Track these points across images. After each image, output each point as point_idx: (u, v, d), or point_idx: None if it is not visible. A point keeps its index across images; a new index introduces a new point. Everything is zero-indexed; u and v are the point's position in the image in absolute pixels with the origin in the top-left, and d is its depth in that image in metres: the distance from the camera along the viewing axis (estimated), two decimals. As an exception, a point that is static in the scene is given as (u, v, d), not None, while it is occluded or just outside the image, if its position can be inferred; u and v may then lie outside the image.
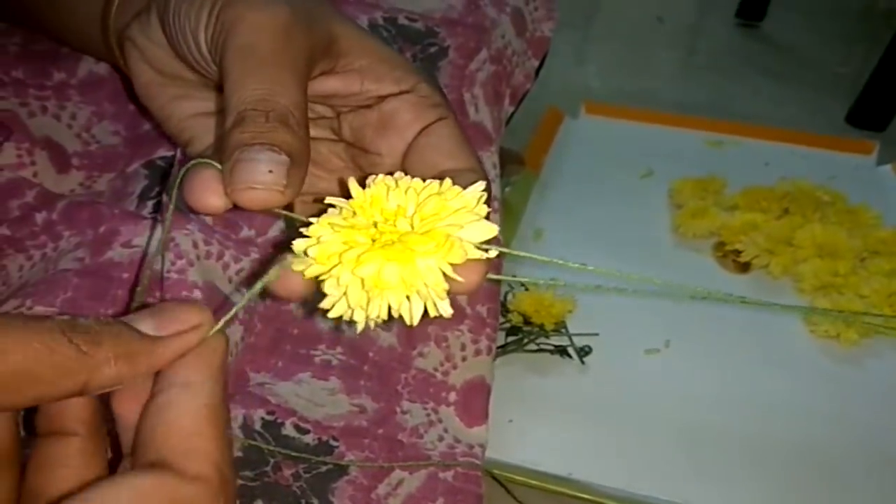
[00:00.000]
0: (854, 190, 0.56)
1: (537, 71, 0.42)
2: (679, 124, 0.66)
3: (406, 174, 0.19)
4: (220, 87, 0.21)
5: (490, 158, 0.36)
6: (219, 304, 0.28)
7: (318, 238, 0.17)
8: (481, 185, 0.18)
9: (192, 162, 0.19)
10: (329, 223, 0.17)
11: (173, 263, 0.27)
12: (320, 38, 0.22)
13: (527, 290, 0.45)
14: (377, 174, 0.19)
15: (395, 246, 0.16)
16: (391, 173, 0.19)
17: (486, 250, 0.18)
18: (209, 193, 0.18)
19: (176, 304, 0.17)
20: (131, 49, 0.26)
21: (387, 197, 0.17)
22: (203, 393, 0.16)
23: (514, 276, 0.46)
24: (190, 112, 0.26)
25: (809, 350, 0.44)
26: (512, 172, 0.56)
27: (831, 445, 0.38)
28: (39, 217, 0.31)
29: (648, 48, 0.90)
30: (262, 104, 0.19)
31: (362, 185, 0.18)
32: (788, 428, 0.39)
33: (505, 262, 0.47)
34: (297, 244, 0.17)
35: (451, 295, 0.17)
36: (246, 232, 0.30)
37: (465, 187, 0.18)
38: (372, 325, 0.17)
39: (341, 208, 0.18)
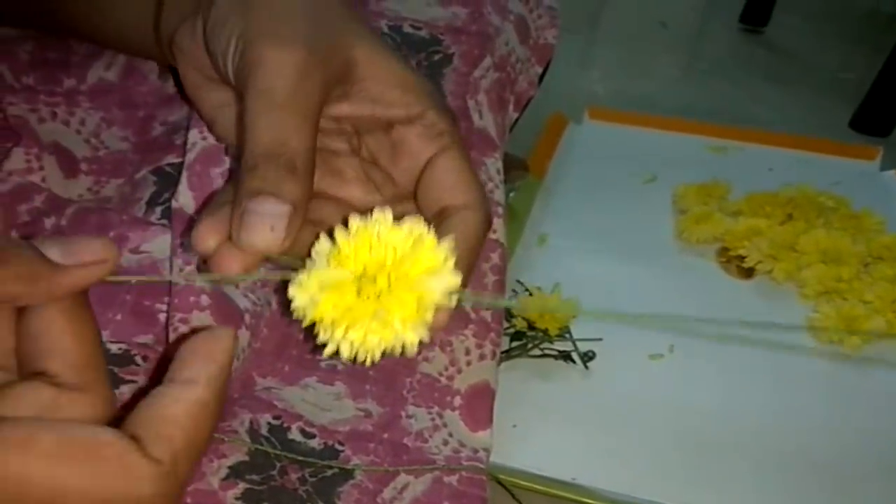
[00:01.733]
0: (858, 195, 0.56)
1: (541, 78, 0.43)
2: (682, 129, 0.67)
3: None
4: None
5: (494, 164, 0.36)
6: (227, 311, 0.28)
7: (312, 299, 0.20)
8: (448, 243, 0.21)
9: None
10: (319, 283, 0.20)
11: (181, 269, 0.27)
12: (337, 68, 0.24)
13: (531, 295, 0.45)
14: (384, 198, 0.24)
15: (376, 311, 0.20)
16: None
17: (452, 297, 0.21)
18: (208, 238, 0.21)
19: (86, 238, 0.18)
20: (179, 54, 0.27)
21: (369, 251, 0.20)
22: (200, 391, 0.18)
23: (518, 281, 0.47)
24: (230, 117, 0.27)
25: (813, 356, 0.44)
26: (516, 178, 0.56)
27: (836, 451, 0.38)
28: (48, 222, 0.32)
29: (652, 53, 0.90)
30: (273, 149, 0.21)
31: (346, 223, 0.21)
32: (792, 433, 0.39)
33: (508, 268, 0.48)
34: (297, 302, 0.20)
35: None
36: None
37: (460, 228, 0.23)
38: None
39: (329, 255, 0.21)
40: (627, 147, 0.64)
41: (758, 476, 0.37)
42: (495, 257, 0.35)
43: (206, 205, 0.24)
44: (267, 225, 0.20)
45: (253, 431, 0.28)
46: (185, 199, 0.29)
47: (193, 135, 0.30)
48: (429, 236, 0.21)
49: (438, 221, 0.24)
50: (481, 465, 0.31)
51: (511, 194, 0.55)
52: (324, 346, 0.20)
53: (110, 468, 0.16)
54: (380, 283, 0.20)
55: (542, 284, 0.46)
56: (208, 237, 0.21)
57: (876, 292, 0.47)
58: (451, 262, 0.21)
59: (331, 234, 0.21)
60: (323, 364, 0.31)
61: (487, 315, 0.34)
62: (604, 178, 0.60)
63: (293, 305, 0.20)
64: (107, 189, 0.34)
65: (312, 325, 0.20)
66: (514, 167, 0.56)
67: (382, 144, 0.26)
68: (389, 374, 0.32)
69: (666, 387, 0.41)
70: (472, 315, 0.34)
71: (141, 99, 0.36)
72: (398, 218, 0.21)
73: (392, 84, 0.25)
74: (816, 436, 0.39)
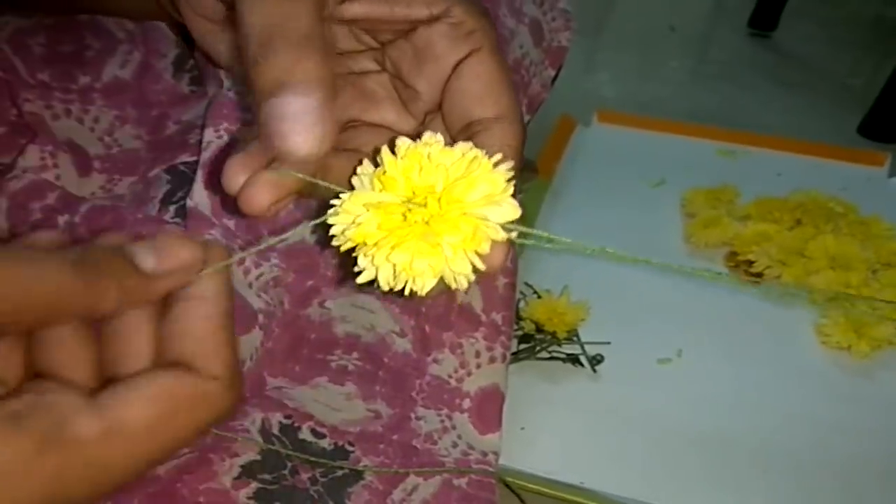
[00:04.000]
0: (866, 201, 0.56)
1: (553, 80, 0.43)
2: (691, 133, 0.66)
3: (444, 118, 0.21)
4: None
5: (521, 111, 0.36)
6: (240, 311, 0.28)
7: (354, 219, 0.18)
8: (509, 164, 0.19)
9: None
10: (363, 203, 0.18)
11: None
12: None
13: (540, 297, 0.45)
14: (417, 113, 0.22)
15: (425, 233, 0.18)
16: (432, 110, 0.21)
17: (510, 231, 0.19)
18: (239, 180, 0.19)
19: (176, 242, 0.18)
20: (184, 6, 0.27)
21: (417, 173, 0.18)
22: (215, 304, 0.18)
23: (527, 283, 0.47)
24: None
25: (820, 361, 0.44)
26: (524, 180, 0.56)
27: (843, 456, 0.38)
28: (61, 220, 0.32)
29: (660, 57, 0.90)
30: (275, 29, 0.18)
31: (392, 147, 0.19)
32: (800, 438, 0.39)
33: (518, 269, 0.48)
34: (338, 225, 0.18)
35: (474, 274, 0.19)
36: (267, 238, 0.31)
37: (493, 143, 0.20)
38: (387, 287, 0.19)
39: (374, 176, 0.19)
40: (636, 150, 0.64)
41: (766, 480, 0.37)
42: (506, 259, 0.35)
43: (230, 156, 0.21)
44: (301, 127, 0.18)
45: (264, 431, 0.28)
46: (200, 197, 0.29)
47: (209, 133, 0.30)
48: (485, 159, 0.18)
49: (466, 138, 0.21)
50: (490, 469, 0.31)
51: (519, 196, 0.55)
52: (359, 274, 0.18)
53: (187, 403, 0.17)
54: (431, 207, 0.18)
55: (551, 287, 0.46)
56: (238, 174, 0.19)
57: (885, 298, 0.47)
58: (510, 192, 0.19)
59: (374, 159, 0.19)
60: (334, 364, 0.32)
61: (498, 318, 0.34)
62: (612, 182, 0.60)
63: (333, 230, 0.18)
64: (119, 187, 0.34)
65: (349, 256, 0.18)
66: (523, 169, 0.56)
67: (404, 52, 0.22)
68: (399, 375, 0.32)
69: (674, 391, 0.41)
70: (483, 317, 0.34)
71: (155, 97, 0.36)
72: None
73: None
74: (825, 441, 0.39)
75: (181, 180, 0.32)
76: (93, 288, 0.16)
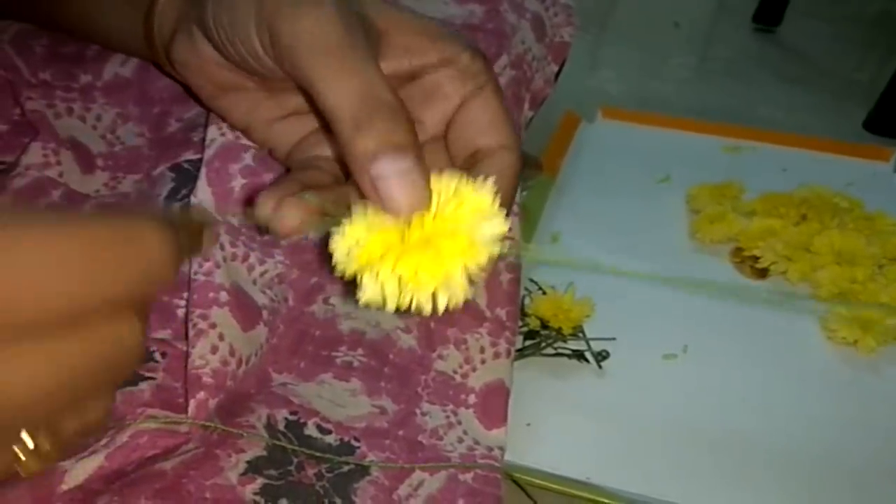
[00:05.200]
0: (871, 197, 0.55)
1: (556, 76, 0.43)
2: (696, 129, 0.66)
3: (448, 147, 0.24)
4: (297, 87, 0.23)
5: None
6: (245, 307, 0.28)
7: (357, 241, 0.19)
8: (490, 185, 0.20)
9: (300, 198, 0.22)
10: (364, 227, 0.20)
11: (201, 265, 0.27)
12: (364, 26, 0.22)
13: (545, 294, 0.45)
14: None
15: (426, 248, 0.19)
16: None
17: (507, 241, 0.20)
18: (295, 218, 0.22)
19: None
20: (184, 69, 0.27)
21: None
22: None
23: (531, 279, 0.47)
24: (263, 119, 0.27)
25: (827, 356, 0.44)
26: (529, 176, 0.56)
27: (849, 452, 0.38)
28: (67, 218, 0.32)
29: (665, 53, 0.90)
30: (366, 103, 0.20)
31: None
32: (806, 434, 0.39)
33: (522, 266, 0.48)
34: (339, 247, 0.20)
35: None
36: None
37: (496, 169, 0.23)
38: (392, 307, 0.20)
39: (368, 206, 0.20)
40: (641, 146, 0.64)
41: (772, 475, 0.36)
42: (510, 255, 0.35)
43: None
44: (405, 183, 0.19)
45: (270, 427, 0.28)
46: (204, 194, 0.29)
47: (212, 131, 0.30)
48: (469, 182, 0.20)
49: (471, 164, 0.24)
50: (496, 464, 0.31)
51: (524, 192, 0.55)
52: (365, 292, 0.19)
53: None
54: (427, 226, 0.19)
55: (555, 283, 0.46)
56: (269, 201, 0.21)
57: (890, 294, 0.47)
58: (497, 205, 0.20)
59: None
60: (338, 361, 0.31)
61: (503, 313, 0.34)
62: (617, 178, 0.60)
63: (335, 256, 0.20)
64: (123, 185, 0.34)
65: (353, 282, 0.19)
66: (528, 165, 0.56)
67: (411, 92, 0.25)
68: (404, 371, 0.32)
69: (680, 387, 0.41)
70: (488, 313, 0.34)
71: (157, 95, 0.36)
72: (431, 165, 0.20)
73: (419, 33, 0.24)
74: (831, 436, 0.39)
75: (185, 178, 0.32)
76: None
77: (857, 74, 0.86)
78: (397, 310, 0.19)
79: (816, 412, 0.40)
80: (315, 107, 0.21)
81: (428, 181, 0.20)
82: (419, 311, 0.19)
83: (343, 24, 0.21)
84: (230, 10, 0.23)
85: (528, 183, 0.56)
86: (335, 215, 0.21)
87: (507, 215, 0.21)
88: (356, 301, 0.20)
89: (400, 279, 0.19)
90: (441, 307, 0.19)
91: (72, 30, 0.35)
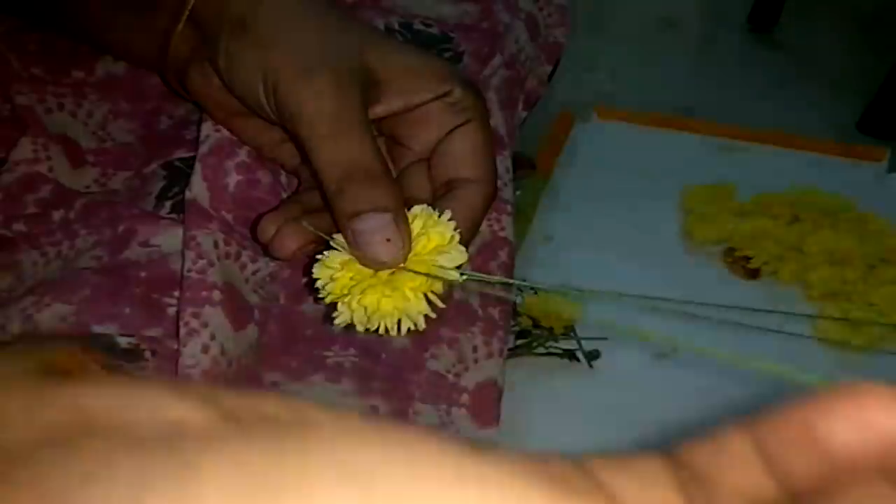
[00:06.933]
0: (864, 197, 0.56)
1: (550, 76, 0.43)
2: (690, 129, 0.66)
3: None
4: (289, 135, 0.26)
5: (503, 162, 0.36)
6: (238, 306, 0.28)
7: (331, 276, 0.23)
8: (450, 221, 0.23)
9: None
10: (340, 262, 0.23)
11: (195, 263, 0.27)
12: (363, 77, 0.25)
13: (536, 293, 0.45)
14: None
15: (388, 282, 0.22)
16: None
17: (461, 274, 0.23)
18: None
19: None
20: (199, 97, 0.29)
21: None
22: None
23: (524, 279, 0.47)
24: (274, 141, 0.29)
25: (817, 357, 0.44)
26: (522, 176, 0.56)
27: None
28: (57, 215, 0.32)
29: (659, 53, 0.90)
30: (348, 169, 0.23)
31: None
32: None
33: (515, 265, 0.48)
34: (321, 275, 0.23)
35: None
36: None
37: (466, 200, 0.25)
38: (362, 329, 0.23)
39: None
40: (635, 146, 0.64)
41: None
42: (503, 255, 0.35)
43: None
44: (380, 238, 0.22)
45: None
46: (199, 189, 0.29)
47: (207, 127, 0.30)
48: (435, 217, 0.23)
49: (446, 191, 0.26)
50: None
51: (517, 192, 0.55)
52: (338, 317, 0.22)
53: None
54: None
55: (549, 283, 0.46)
56: (271, 225, 0.24)
57: (882, 294, 0.47)
58: (457, 240, 0.23)
59: None
60: (330, 361, 0.31)
61: (495, 313, 0.34)
62: (611, 178, 0.60)
63: (317, 283, 0.23)
64: (114, 181, 0.34)
65: (333, 305, 0.23)
66: (521, 165, 0.56)
67: (403, 119, 0.27)
68: (397, 371, 0.32)
69: (670, 386, 0.41)
70: (480, 312, 0.34)
71: (149, 92, 0.36)
72: (411, 185, 0.24)
73: (414, 74, 0.26)
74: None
75: (177, 176, 0.31)
76: None
77: (852, 76, 0.86)
78: (367, 331, 0.22)
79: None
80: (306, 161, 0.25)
81: (406, 236, 0.22)
82: (387, 332, 0.22)
83: (336, 96, 0.23)
84: (239, 68, 0.25)
85: (521, 183, 0.56)
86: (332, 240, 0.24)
87: (468, 244, 0.24)
88: (333, 321, 0.23)
89: (366, 309, 0.22)
90: (403, 331, 0.22)
91: (81, 37, 0.35)
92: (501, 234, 0.35)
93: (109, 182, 0.34)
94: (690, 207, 0.55)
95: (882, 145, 0.66)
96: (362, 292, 0.22)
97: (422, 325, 0.23)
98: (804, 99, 0.80)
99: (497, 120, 0.36)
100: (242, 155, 0.29)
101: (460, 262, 0.23)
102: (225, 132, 0.29)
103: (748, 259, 0.50)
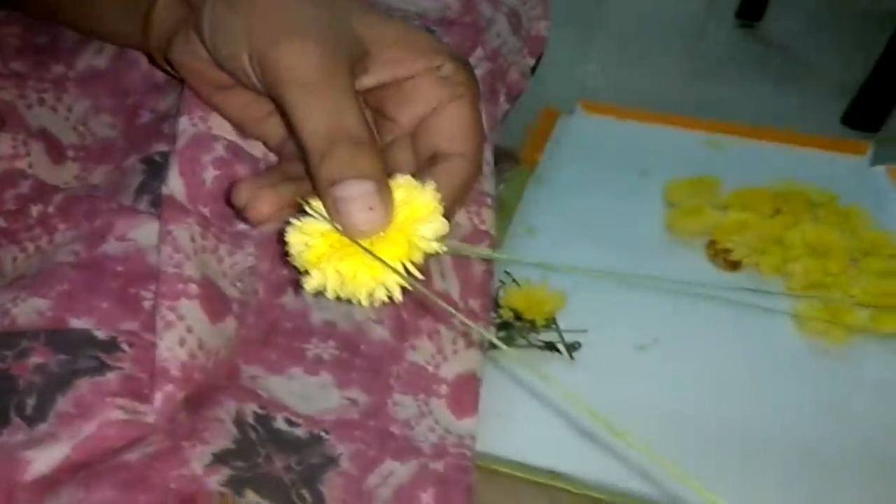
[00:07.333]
0: (847, 190, 0.56)
1: (533, 70, 0.43)
2: (675, 124, 0.67)
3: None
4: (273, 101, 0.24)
5: (484, 156, 0.36)
6: (215, 299, 0.28)
7: (306, 242, 0.22)
8: (434, 190, 0.22)
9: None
10: (320, 231, 0.22)
11: (171, 257, 0.27)
12: (351, 47, 0.24)
13: (518, 286, 0.46)
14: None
15: (369, 251, 0.21)
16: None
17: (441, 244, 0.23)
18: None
19: None
20: (182, 69, 0.28)
21: None
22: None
23: (506, 271, 0.47)
24: (257, 115, 0.29)
25: (797, 347, 0.45)
26: (506, 169, 0.56)
27: (821, 440, 0.39)
28: (35, 209, 0.32)
29: (647, 47, 0.90)
30: (333, 133, 0.22)
31: None
32: (777, 423, 0.40)
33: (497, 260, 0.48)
34: (294, 242, 0.22)
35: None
36: (241, 225, 0.31)
37: (449, 174, 0.25)
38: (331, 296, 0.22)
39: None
40: (620, 140, 0.64)
41: (743, 464, 0.37)
42: (484, 247, 0.35)
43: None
44: (362, 206, 0.21)
45: (239, 420, 0.28)
46: (175, 184, 0.29)
47: (183, 121, 0.30)
48: (419, 188, 0.22)
49: (429, 165, 0.25)
50: (467, 452, 0.31)
51: (500, 185, 0.55)
52: (310, 282, 0.22)
53: None
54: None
55: (529, 275, 0.46)
56: (245, 191, 0.24)
57: (861, 286, 0.48)
58: (439, 210, 0.22)
59: None
60: (309, 354, 0.32)
61: (475, 304, 0.35)
62: (595, 171, 0.60)
63: (290, 249, 0.22)
64: (94, 176, 0.34)
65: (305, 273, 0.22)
66: (505, 158, 0.56)
67: (391, 92, 0.26)
68: (376, 362, 0.32)
69: (651, 377, 0.42)
70: (460, 304, 0.34)
71: (131, 86, 0.36)
72: (396, 159, 0.24)
73: (407, 47, 0.25)
74: (802, 424, 0.40)
75: (156, 170, 0.32)
76: None
77: (838, 70, 0.86)
78: (338, 299, 0.22)
79: (787, 402, 0.41)
80: (290, 129, 0.24)
81: (389, 205, 0.22)
82: (359, 302, 0.22)
83: (323, 59, 0.23)
84: (224, 35, 0.24)
85: (504, 175, 0.56)
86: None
87: (451, 218, 0.23)
88: (303, 288, 0.22)
89: (342, 276, 0.21)
90: (378, 302, 0.22)
91: (63, 17, 0.35)
92: (482, 227, 0.36)
93: (90, 177, 0.34)
94: (673, 201, 0.56)
95: (866, 139, 0.67)
96: (339, 259, 0.21)
97: (398, 296, 0.22)
98: (791, 93, 0.80)
99: (478, 114, 0.36)
100: (220, 150, 0.29)
101: (442, 234, 0.22)
102: (202, 126, 0.29)
103: (729, 252, 0.51)
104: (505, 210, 0.53)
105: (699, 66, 0.87)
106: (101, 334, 0.27)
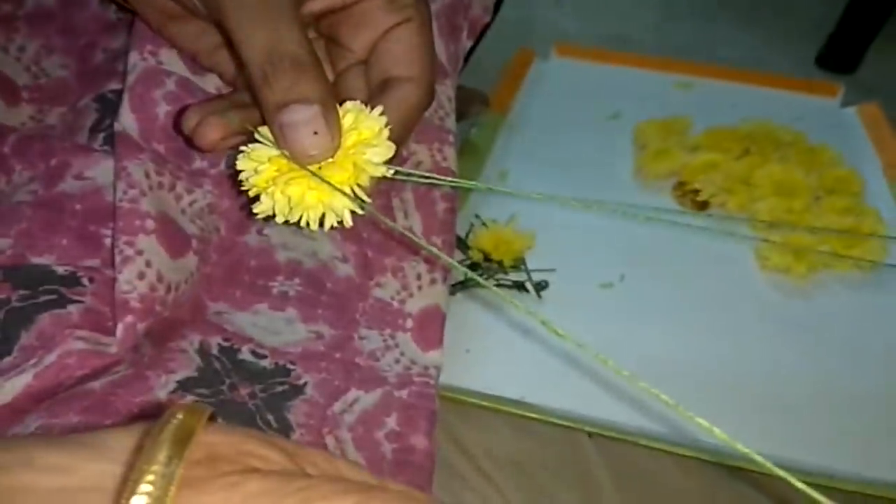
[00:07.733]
0: (817, 131, 0.56)
1: (497, 6, 0.42)
2: (648, 66, 0.66)
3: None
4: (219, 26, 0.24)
5: (444, 92, 0.36)
6: (174, 235, 0.28)
7: (255, 168, 0.22)
8: (381, 115, 0.23)
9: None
10: (268, 157, 0.22)
11: (125, 192, 0.27)
12: None
13: (487, 227, 0.46)
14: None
15: (316, 175, 0.22)
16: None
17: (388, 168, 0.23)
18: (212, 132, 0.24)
19: None
20: (133, 0, 0.28)
21: None
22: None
23: (476, 215, 0.47)
24: (210, 46, 0.28)
25: (760, 284, 0.46)
26: (478, 112, 0.56)
27: (781, 376, 0.40)
28: (-9, 151, 0.31)
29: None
30: (273, 55, 0.22)
31: None
32: (738, 358, 0.41)
33: (468, 202, 0.48)
34: (243, 168, 0.22)
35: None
36: (199, 163, 0.31)
37: (398, 99, 0.25)
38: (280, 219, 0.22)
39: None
40: (594, 84, 0.64)
41: (702, 399, 0.38)
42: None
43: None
44: (308, 130, 0.21)
45: (203, 351, 0.29)
46: (128, 121, 0.29)
47: (133, 56, 0.29)
48: (366, 112, 0.22)
49: (380, 91, 0.26)
50: (431, 381, 0.32)
51: (473, 129, 0.55)
52: (259, 206, 0.22)
53: None
54: None
55: (498, 216, 0.47)
56: (194, 117, 0.24)
57: (825, 223, 0.49)
58: (385, 133, 0.22)
59: None
60: (275, 290, 0.32)
61: (438, 241, 0.35)
62: (568, 115, 0.60)
63: (241, 175, 0.22)
64: (50, 117, 0.34)
65: (257, 198, 0.22)
66: (476, 101, 0.55)
67: (342, 19, 0.26)
68: (342, 298, 0.33)
69: (615, 314, 0.43)
70: (423, 242, 0.35)
71: (82, 26, 0.35)
72: (349, 87, 0.24)
73: None
74: (761, 360, 0.41)
75: (109, 108, 0.31)
76: None
77: (811, 11, 0.86)
78: (287, 222, 0.22)
79: (749, 338, 0.42)
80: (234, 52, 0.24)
81: (335, 129, 0.22)
82: (308, 226, 0.22)
83: None
84: None
85: (477, 119, 0.56)
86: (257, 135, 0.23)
87: (402, 143, 0.23)
88: (255, 215, 0.22)
89: (290, 200, 0.21)
90: (327, 225, 0.22)
91: None
92: (444, 164, 0.36)
93: (46, 118, 0.34)
94: (644, 143, 0.56)
95: (838, 80, 0.67)
96: (286, 183, 0.21)
97: (348, 221, 0.22)
98: (765, 35, 0.80)
99: (438, 47, 0.36)
100: (171, 85, 0.29)
101: (388, 157, 0.22)
102: (152, 60, 0.29)
103: (697, 192, 0.51)
104: (477, 154, 0.53)
105: (674, 8, 0.86)
106: (61, 269, 0.27)
